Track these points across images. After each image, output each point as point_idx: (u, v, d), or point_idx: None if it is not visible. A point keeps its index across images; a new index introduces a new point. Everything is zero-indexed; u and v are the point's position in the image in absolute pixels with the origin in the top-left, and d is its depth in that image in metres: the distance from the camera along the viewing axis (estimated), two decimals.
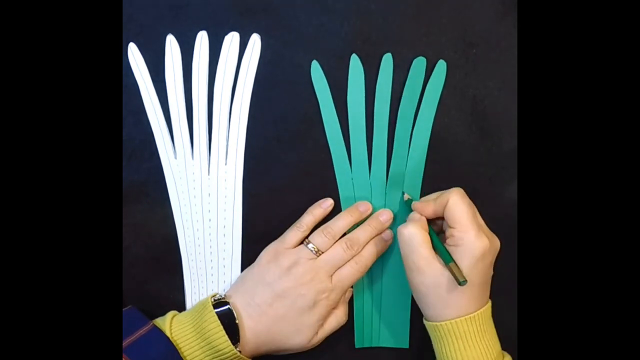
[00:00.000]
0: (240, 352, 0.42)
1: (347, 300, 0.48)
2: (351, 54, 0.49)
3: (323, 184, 0.49)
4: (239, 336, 0.43)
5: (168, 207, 0.50)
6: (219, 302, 0.44)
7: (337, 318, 0.46)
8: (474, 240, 0.41)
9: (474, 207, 0.43)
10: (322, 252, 0.45)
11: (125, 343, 0.41)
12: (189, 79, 0.49)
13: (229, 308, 0.43)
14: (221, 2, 0.49)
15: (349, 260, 0.45)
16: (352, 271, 0.45)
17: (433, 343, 0.44)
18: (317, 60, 0.49)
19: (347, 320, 0.48)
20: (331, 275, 0.45)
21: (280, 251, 0.46)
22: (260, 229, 0.49)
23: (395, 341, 0.49)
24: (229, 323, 0.42)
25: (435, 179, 0.49)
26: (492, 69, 0.49)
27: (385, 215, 0.47)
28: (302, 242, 0.46)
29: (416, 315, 0.48)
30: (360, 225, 0.47)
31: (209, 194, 0.49)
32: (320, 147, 0.49)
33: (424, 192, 0.49)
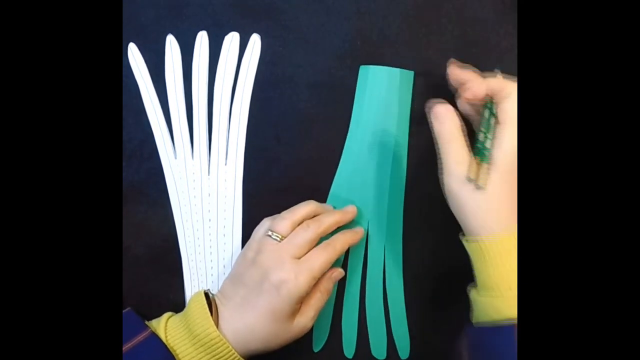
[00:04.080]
0: (235, 350, 0.42)
1: (320, 304, 0.45)
2: (351, 54, 0.49)
3: (323, 184, 0.49)
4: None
5: (168, 207, 0.50)
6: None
7: (322, 296, 0.45)
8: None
9: None
10: (284, 237, 0.43)
11: (123, 349, 0.40)
12: (189, 79, 0.49)
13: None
14: (221, 2, 0.49)
15: (317, 244, 0.44)
16: (321, 254, 0.43)
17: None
18: (317, 60, 0.49)
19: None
20: (299, 257, 0.43)
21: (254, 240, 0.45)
22: None
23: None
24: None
25: (435, 179, 0.49)
26: (492, 69, 0.49)
27: (351, 208, 0.47)
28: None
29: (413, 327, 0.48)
30: (327, 213, 0.46)
31: (209, 194, 0.49)
32: (320, 147, 0.49)
33: (415, 194, 0.49)
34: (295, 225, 0.44)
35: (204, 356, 0.41)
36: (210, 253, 0.50)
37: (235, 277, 0.44)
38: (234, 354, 0.41)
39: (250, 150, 0.49)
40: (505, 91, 0.39)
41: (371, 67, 0.48)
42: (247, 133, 0.49)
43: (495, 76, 0.41)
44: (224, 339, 0.41)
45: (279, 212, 0.49)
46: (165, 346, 0.41)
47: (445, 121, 0.40)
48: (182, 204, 0.50)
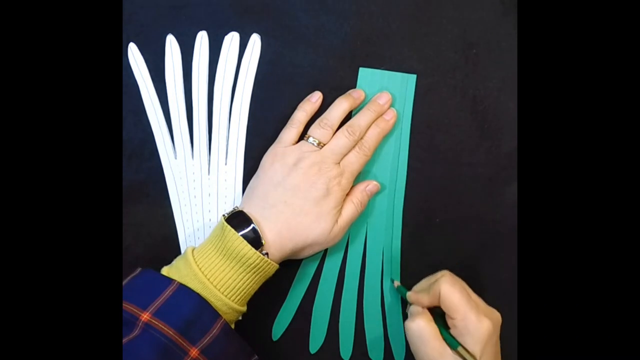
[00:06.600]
0: (267, 254, 0.42)
1: (353, 216, 0.46)
2: (351, 54, 0.49)
3: None
4: (262, 240, 0.42)
5: (168, 207, 0.50)
6: (232, 215, 0.43)
7: (354, 207, 0.46)
8: (477, 326, 0.40)
9: (466, 287, 0.43)
10: (324, 144, 0.45)
11: (154, 306, 0.39)
12: (189, 79, 0.49)
13: (243, 215, 0.43)
14: (221, 2, 0.49)
15: (353, 147, 0.46)
16: (357, 157, 0.46)
17: None
18: (317, 60, 0.49)
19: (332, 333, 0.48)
20: (338, 163, 0.45)
21: (281, 151, 0.45)
22: None
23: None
24: (248, 230, 0.42)
25: (435, 180, 0.49)
26: (492, 69, 0.49)
27: (384, 98, 0.48)
28: (300, 140, 0.46)
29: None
30: (360, 111, 0.47)
31: (209, 194, 0.49)
32: None
33: (414, 194, 0.49)
34: (333, 130, 0.46)
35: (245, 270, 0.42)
36: None
37: (273, 183, 0.44)
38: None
39: (250, 150, 0.49)
40: (441, 290, 0.41)
41: (370, 70, 0.49)
42: (247, 133, 0.49)
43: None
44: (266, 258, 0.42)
45: None
46: (198, 294, 0.40)
47: (420, 329, 0.42)
48: (182, 204, 0.50)
